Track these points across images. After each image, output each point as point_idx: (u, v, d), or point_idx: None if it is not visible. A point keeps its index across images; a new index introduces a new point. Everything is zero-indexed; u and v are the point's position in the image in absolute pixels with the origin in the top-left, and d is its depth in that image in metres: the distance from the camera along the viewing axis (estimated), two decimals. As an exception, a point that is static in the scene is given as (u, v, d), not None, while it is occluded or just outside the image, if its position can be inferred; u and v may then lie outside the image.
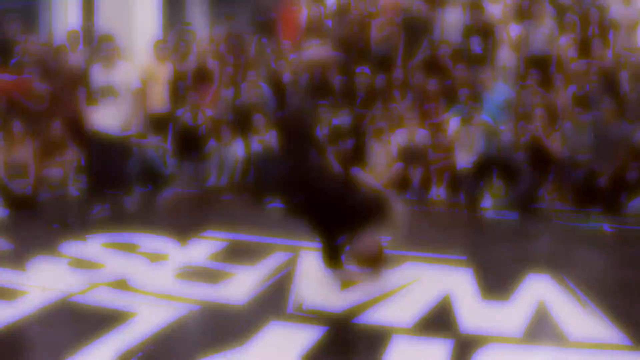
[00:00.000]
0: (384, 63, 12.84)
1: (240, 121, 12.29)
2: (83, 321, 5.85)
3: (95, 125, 8.84)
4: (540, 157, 10.31)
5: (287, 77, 12.81)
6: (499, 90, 11.72)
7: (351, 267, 6.53)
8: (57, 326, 5.73)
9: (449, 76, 12.14)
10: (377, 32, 13.01)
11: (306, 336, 5.49)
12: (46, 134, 10.75)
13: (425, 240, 8.55)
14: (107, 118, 8.76)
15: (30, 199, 9.82)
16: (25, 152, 10.10)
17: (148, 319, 5.80)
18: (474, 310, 6.13)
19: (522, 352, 5.31)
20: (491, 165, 10.55)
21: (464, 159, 10.64)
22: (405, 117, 11.51)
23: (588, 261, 7.96)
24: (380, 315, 5.97)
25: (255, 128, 11.73)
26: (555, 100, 11.15)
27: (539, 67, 11.65)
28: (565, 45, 12.07)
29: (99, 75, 8.64)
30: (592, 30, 12.28)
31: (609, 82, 11.16)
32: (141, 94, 9.39)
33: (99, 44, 8.66)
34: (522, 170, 10.43)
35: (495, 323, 5.82)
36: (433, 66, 12.37)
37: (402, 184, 11.11)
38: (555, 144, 10.33)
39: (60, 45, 12.43)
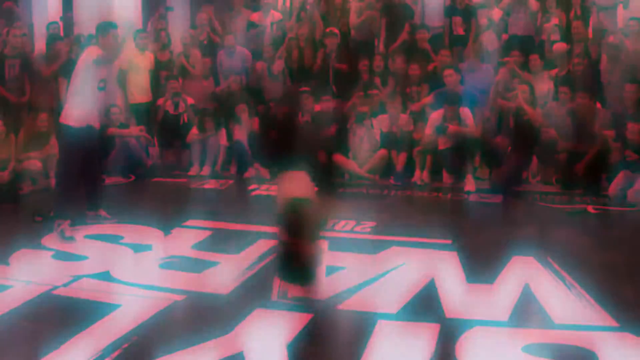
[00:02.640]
0: (364, 48, 12.83)
1: (223, 110, 12.27)
2: (67, 314, 5.81)
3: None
4: (523, 133, 10.32)
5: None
6: (483, 71, 11.73)
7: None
8: (42, 319, 5.69)
9: (429, 60, 12.14)
10: (356, 16, 12.97)
11: (291, 324, 5.47)
12: (31, 125, 10.68)
13: (409, 224, 8.56)
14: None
15: (11, 192, 9.76)
16: (7, 145, 10.06)
17: (133, 310, 5.77)
18: (459, 294, 6.14)
19: (508, 335, 5.30)
20: (474, 147, 10.54)
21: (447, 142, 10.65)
22: (387, 103, 11.51)
23: (572, 243, 7.97)
24: (366, 301, 5.96)
25: (238, 117, 11.70)
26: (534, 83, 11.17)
27: (521, 49, 11.65)
28: (548, 28, 12.07)
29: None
30: (575, 12, 12.29)
31: (591, 65, 11.20)
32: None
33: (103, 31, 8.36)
34: (506, 153, 10.44)
35: (481, 306, 5.83)
36: (413, 51, 12.37)
37: (385, 169, 11.12)
38: (539, 116, 10.33)
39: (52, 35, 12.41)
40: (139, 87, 12.59)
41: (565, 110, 10.45)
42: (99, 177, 8.74)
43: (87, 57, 8.09)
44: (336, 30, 12.66)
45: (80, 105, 8.09)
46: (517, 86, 10.69)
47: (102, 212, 8.59)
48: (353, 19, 12.98)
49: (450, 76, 11.11)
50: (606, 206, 9.30)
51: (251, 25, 13.63)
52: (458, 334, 5.22)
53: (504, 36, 12.48)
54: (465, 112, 10.56)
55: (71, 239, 7.86)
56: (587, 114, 10.13)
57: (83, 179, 8.37)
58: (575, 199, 9.64)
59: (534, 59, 11.51)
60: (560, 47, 11.72)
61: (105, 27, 8.24)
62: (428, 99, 11.43)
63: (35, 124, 10.55)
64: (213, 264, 7.00)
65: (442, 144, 10.66)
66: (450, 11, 12.63)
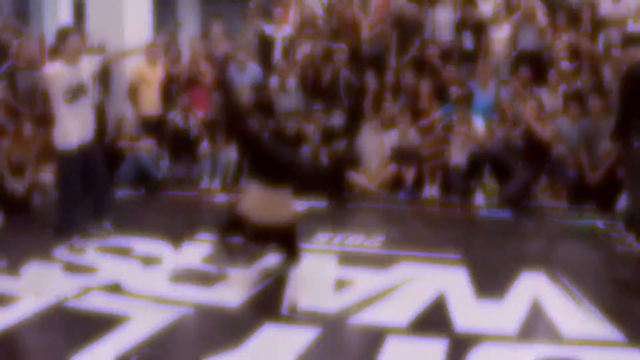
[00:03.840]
0: (375, 62, 12.85)
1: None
2: (77, 326, 5.83)
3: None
4: (533, 150, 10.31)
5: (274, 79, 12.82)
6: (494, 88, 11.73)
7: None
8: (52, 331, 5.72)
9: (439, 76, 12.14)
10: (368, 31, 13.00)
11: (301, 337, 5.48)
12: (44, 138, 10.71)
13: (419, 239, 8.57)
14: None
15: (24, 203, 9.81)
16: (27, 154, 10.14)
17: (142, 323, 5.79)
18: (468, 309, 6.14)
19: (517, 350, 5.31)
20: (484, 162, 10.55)
21: (457, 156, 10.67)
22: (397, 117, 11.53)
23: (582, 258, 7.97)
24: (375, 316, 5.97)
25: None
26: (542, 99, 11.15)
27: (530, 64, 11.66)
28: (557, 45, 12.07)
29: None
30: (585, 28, 12.30)
31: (598, 80, 11.21)
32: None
33: (62, 37, 8.31)
34: (516, 168, 10.44)
35: (490, 321, 5.83)
36: (423, 66, 12.38)
37: (395, 183, 11.13)
38: (548, 133, 10.32)
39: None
40: (150, 100, 12.62)
41: (578, 125, 10.42)
42: (104, 189, 8.69)
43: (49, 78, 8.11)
44: (344, 46, 12.67)
45: (60, 125, 8.13)
46: (527, 103, 10.70)
47: (107, 225, 8.61)
48: (364, 34, 13.01)
49: (455, 93, 11.15)
50: (615, 221, 9.28)
51: (262, 38, 13.64)
52: (467, 349, 5.22)
53: (513, 52, 12.50)
54: (477, 120, 10.57)
55: (81, 251, 7.90)
56: (602, 127, 10.11)
57: (84, 194, 8.36)
58: (584, 214, 9.62)
59: (552, 74, 11.50)
60: (565, 64, 11.72)
61: (63, 34, 8.23)
62: (437, 114, 11.45)
63: (48, 136, 10.56)
64: (223, 277, 7.01)
65: (454, 159, 10.67)
66: (460, 26, 12.65)
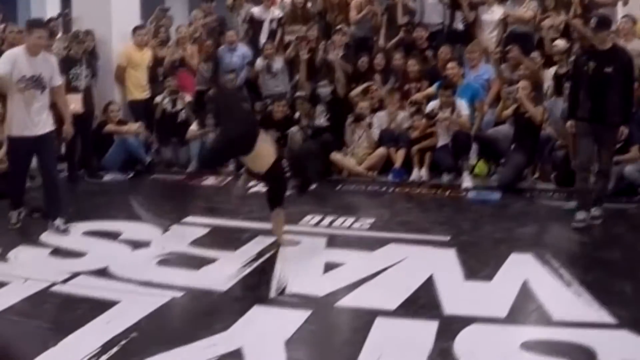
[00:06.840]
0: (363, 44, 12.79)
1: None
2: (65, 310, 5.81)
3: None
4: (524, 130, 10.28)
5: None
6: (483, 69, 11.69)
7: None
8: (40, 316, 5.68)
9: (426, 59, 12.09)
10: (356, 12, 12.91)
11: (290, 320, 5.47)
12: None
13: (408, 221, 8.55)
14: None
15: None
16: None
17: (131, 307, 5.77)
18: (457, 291, 6.13)
19: (506, 332, 5.31)
20: (469, 142, 10.53)
21: (443, 138, 10.65)
22: (386, 99, 11.49)
23: (571, 240, 7.96)
24: (364, 298, 5.96)
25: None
26: (538, 70, 11.12)
27: (519, 43, 11.61)
28: (547, 26, 12.02)
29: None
30: (574, 10, 12.25)
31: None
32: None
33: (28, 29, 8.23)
34: (507, 150, 10.40)
35: (479, 303, 5.82)
36: (411, 48, 12.32)
37: (384, 166, 11.10)
38: (540, 113, 10.29)
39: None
40: (137, 84, 12.56)
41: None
42: (52, 189, 8.35)
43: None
44: (345, 28, 12.58)
45: (10, 111, 8.05)
46: (519, 83, 10.66)
47: (57, 222, 8.17)
48: (353, 15, 12.91)
49: (452, 69, 11.12)
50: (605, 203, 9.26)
51: (250, 21, 13.56)
52: (456, 331, 5.22)
53: (504, 33, 12.45)
54: (461, 104, 10.56)
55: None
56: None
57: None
58: (573, 196, 9.59)
59: (536, 56, 11.46)
60: (560, 43, 11.66)
61: (30, 25, 8.13)
62: (430, 90, 11.39)
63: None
64: (211, 260, 7.00)
65: (441, 141, 10.65)
66: (450, 7, 12.58)
